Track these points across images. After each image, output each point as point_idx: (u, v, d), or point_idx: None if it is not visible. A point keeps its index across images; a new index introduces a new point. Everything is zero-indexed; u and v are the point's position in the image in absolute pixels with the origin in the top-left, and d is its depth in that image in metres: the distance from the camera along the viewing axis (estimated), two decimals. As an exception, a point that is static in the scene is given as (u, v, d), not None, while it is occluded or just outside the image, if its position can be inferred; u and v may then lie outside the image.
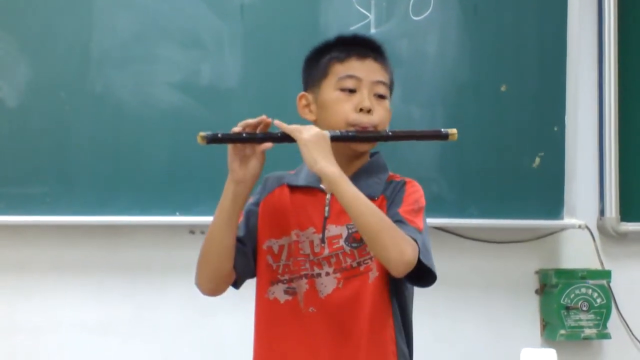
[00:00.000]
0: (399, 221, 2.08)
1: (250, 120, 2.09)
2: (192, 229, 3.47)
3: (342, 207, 2.05)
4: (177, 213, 3.39)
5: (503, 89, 3.67)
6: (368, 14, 3.54)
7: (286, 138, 2.08)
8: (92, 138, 3.35)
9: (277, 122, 2.09)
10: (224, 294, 2.26)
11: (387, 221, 2.04)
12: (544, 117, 3.71)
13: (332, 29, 3.46)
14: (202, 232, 3.43)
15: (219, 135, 2.07)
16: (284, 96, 3.40)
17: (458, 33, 3.65)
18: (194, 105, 3.41)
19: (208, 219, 3.33)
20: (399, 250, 2.00)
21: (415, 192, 2.18)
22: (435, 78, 3.61)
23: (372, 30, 3.53)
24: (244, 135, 2.07)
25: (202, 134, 2.06)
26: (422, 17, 3.60)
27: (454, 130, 2.17)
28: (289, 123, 2.19)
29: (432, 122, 3.57)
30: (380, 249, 2.02)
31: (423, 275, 2.10)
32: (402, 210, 2.11)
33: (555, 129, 3.70)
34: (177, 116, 3.40)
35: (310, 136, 2.05)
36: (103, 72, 3.35)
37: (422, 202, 2.18)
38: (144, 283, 3.48)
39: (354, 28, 3.51)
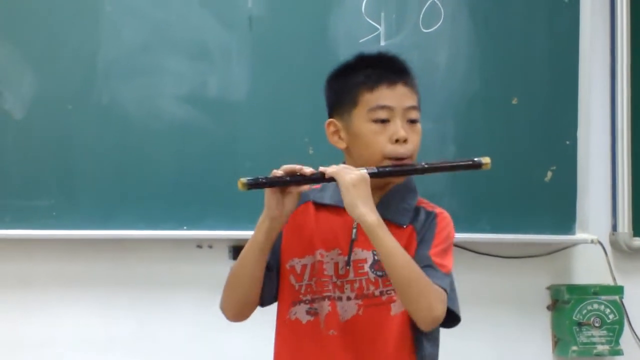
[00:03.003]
0: (428, 266, 2.07)
1: (295, 167, 2.06)
2: (199, 244, 3.44)
3: (378, 255, 2.05)
4: (184, 227, 3.36)
5: (514, 101, 3.65)
6: (378, 26, 3.51)
7: (325, 179, 2.07)
8: (98, 151, 3.32)
9: (321, 169, 2.07)
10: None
11: (419, 274, 2.02)
12: (555, 130, 3.68)
13: (342, 42, 3.45)
14: (210, 247, 3.43)
15: (261, 179, 2.05)
16: (292, 109, 3.41)
17: (469, 45, 3.62)
18: (202, 118, 3.38)
19: (215, 233, 3.35)
20: (428, 306, 2.01)
21: (446, 227, 2.16)
22: (445, 91, 3.58)
23: (382, 43, 3.51)
24: (287, 179, 2.06)
25: (242, 180, 2.04)
26: (433, 29, 3.57)
27: (487, 160, 2.16)
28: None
29: (443, 135, 3.55)
30: (410, 303, 2.02)
31: (447, 317, 2.09)
32: (433, 253, 2.10)
33: (567, 142, 3.67)
34: (185, 129, 3.37)
35: (352, 179, 2.02)
36: (110, 84, 3.33)
37: (452, 236, 2.17)
38: (150, 298, 3.45)
39: (363, 40, 3.48)
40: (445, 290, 2.05)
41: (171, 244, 3.43)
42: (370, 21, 3.51)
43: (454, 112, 3.59)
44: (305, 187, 2.08)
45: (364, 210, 2.00)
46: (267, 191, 2.07)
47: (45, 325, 3.39)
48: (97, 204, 3.31)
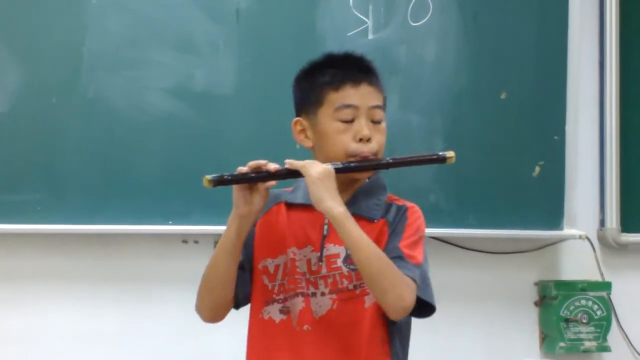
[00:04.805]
0: (398, 257, 2.08)
1: (260, 162, 2.07)
2: (185, 239, 3.43)
3: (346, 247, 2.06)
4: (170, 222, 3.34)
5: (503, 96, 3.63)
6: (366, 20, 3.49)
7: (291, 174, 2.09)
8: (83, 144, 3.29)
9: (288, 161, 2.09)
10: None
11: (388, 264, 2.04)
12: (544, 125, 3.68)
13: (329, 35, 3.44)
14: (196, 242, 3.41)
15: (225, 176, 2.07)
16: (279, 102, 3.34)
17: (457, 39, 3.61)
18: (188, 111, 3.36)
19: (201, 228, 3.33)
20: (398, 296, 2.02)
21: (416, 220, 2.18)
22: (433, 85, 3.57)
23: (370, 36, 3.49)
24: (252, 175, 2.08)
25: (208, 177, 2.06)
26: (421, 23, 3.56)
27: (452, 153, 2.18)
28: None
29: (430, 129, 3.54)
30: (379, 292, 2.03)
31: (422, 307, 2.11)
32: (403, 245, 2.12)
33: (556, 137, 3.67)
34: (171, 122, 3.35)
35: (317, 174, 2.05)
36: (95, 77, 3.30)
37: (423, 229, 2.18)
38: (136, 293, 3.43)
39: (351, 34, 3.47)
40: (414, 281, 2.06)
41: (157, 238, 3.41)
42: (358, 14, 3.49)
43: (442, 106, 3.58)
44: (272, 183, 2.10)
45: (331, 203, 2.03)
46: (235, 189, 2.09)
47: (29, 321, 3.36)
48: (82, 198, 3.29)
